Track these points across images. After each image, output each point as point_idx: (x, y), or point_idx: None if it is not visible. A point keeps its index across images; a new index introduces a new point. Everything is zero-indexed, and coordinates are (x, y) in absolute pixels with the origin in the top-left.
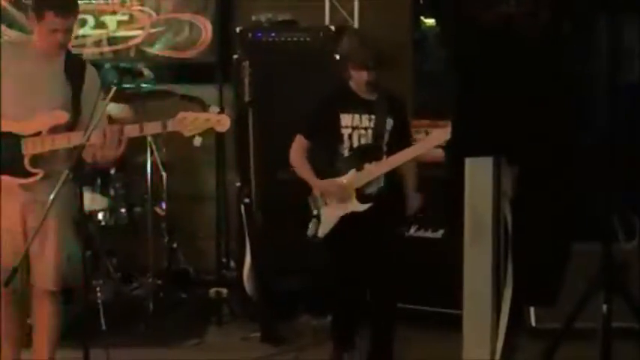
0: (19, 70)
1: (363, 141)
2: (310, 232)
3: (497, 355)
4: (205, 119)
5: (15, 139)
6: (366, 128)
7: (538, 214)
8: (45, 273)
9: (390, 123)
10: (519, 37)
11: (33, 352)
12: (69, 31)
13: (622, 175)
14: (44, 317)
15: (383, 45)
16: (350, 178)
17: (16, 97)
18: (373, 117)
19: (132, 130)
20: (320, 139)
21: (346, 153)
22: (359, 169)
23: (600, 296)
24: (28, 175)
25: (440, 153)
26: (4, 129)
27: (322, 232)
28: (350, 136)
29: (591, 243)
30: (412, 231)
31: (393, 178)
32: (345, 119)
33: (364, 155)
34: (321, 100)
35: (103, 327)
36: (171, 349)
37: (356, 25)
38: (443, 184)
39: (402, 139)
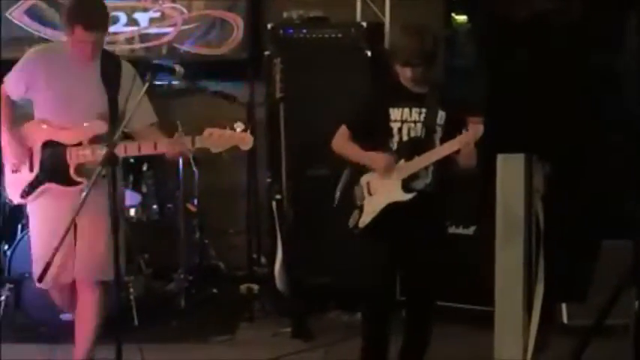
0: (59, 77)
1: (412, 134)
2: (352, 222)
3: (529, 353)
4: (230, 136)
5: (60, 148)
6: (415, 122)
7: (569, 210)
8: (93, 264)
9: (442, 117)
10: (552, 34)
11: (76, 342)
12: (98, 42)
13: None
14: (89, 307)
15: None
16: (401, 168)
17: (60, 104)
18: (424, 110)
19: (174, 145)
20: (368, 132)
21: (395, 147)
22: (407, 159)
23: (632, 292)
24: (72, 182)
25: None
26: (50, 137)
27: (363, 222)
28: (400, 130)
29: (622, 240)
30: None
31: (442, 176)
32: (395, 113)
33: (414, 148)
34: (370, 93)
35: (136, 322)
36: (202, 344)
37: (387, 21)
38: (475, 180)
39: (454, 133)
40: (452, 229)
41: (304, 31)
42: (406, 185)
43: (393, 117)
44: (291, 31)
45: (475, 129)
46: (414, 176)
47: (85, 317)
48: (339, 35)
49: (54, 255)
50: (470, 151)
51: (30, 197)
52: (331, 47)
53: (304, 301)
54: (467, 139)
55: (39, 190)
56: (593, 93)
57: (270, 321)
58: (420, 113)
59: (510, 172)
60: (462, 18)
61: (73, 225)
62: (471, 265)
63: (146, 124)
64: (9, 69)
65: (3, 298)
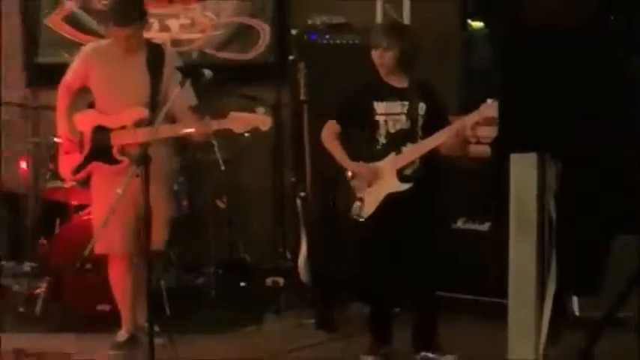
0: (107, 70)
1: (398, 127)
2: (354, 212)
3: (542, 344)
4: (251, 118)
5: (107, 132)
6: (399, 114)
7: (581, 207)
8: (157, 235)
9: (422, 108)
10: (565, 38)
11: (135, 307)
12: (134, 37)
13: None
14: (144, 271)
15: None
16: (389, 161)
17: (107, 94)
18: (406, 103)
19: (205, 127)
20: (356, 126)
21: (382, 139)
22: (397, 152)
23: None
24: (117, 162)
25: (486, 149)
26: (100, 122)
27: (366, 212)
28: (385, 122)
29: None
30: (460, 223)
31: (430, 160)
32: (380, 107)
33: (400, 139)
34: (354, 90)
35: (167, 313)
36: (230, 335)
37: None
38: (489, 178)
39: (438, 122)
40: (468, 225)
41: (327, 36)
42: (401, 175)
43: (378, 111)
44: (314, 36)
45: (461, 122)
46: (405, 166)
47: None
48: (360, 40)
49: (105, 223)
50: (455, 142)
51: (79, 175)
52: (353, 52)
53: (328, 293)
54: (452, 132)
55: (87, 168)
56: (605, 92)
57: (295, 312)
58: (402, 106)
59: (523, 170)
60: (478, 24)
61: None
62: (487, 259)
63: (186, 107)
64: (48, 73)
65: (43, 289)
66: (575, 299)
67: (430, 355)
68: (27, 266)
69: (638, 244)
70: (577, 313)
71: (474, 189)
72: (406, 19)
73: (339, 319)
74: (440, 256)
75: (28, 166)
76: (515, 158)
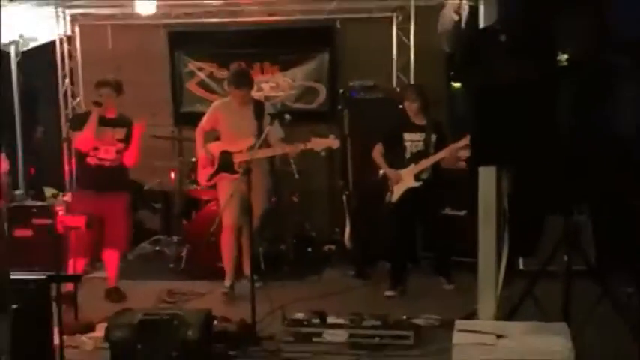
0: (229, 116)
1: (418, 149)
2: (387, 199)
3: (499, 288)
4: (325, 141)
5: (230, 154)
6: (419, 141)
7: (522, 199)
8: (255, 219)
9: (434, 138)
10: (511, 96)
11: (235, 265)
12: (246, 95)
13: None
14: (246, 241)
15: (429, 92)
16: (410, 169)
17: (229, 131)
18: (424, 134)
19: (295, 148)
20: (392, 147)
21: (408, 155)
22: (416, 163)
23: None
24: (236, 173)
25: (464, 164)
26: (225, 148)
27: (394, 199)
28: (410, 146)
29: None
30: (448, 210)
31: (436, 171)
32: (407, 136)
33: (418, 157)
34: (393, 125)
35: (262, 267)
36: (301, 282)
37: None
38: (466, 182)
39: (442, 146)
40: (453, 212)
41: (362, 93)
42: (417, 177)
43: (406, 139)
44: (354, 93)
45: (453, 147)
46: (420, 172)
47: (247, 246)
48: (383, 95)
49: (223, 210)
50: (450, 159)
51: (211, 182)
52: (378, 103)
53: (363, 255)
54: (447, 153)
55: (216, 177)
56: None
57: (342, 267)
58: (421, 136)
59: (487, 177)
60: (457, 84)
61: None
62: (465, 234)
63: (277, 138)
64: (187, 118)
65: (184, 252)
66: (520, 259)
67: (442, 279)
68: (175, 238)
69: (560, 222)
70: (522, 268)
71: (456, 189)
72: (412, 80)
73: (370, 272)
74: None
75: (175, 175)
76: (481, 170)
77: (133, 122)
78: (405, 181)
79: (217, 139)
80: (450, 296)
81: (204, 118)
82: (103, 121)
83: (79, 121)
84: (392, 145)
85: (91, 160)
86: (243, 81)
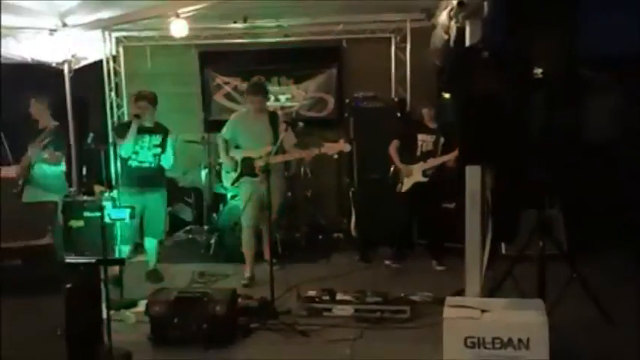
0: (247, 126)
1: (427, 148)
2: (398, 189)
3: (484, 270)
4: (337, 145)
5: (251, 160)
6: (429, 142)
7: (504, 194)
8: (273, 212)
9: (442, 140)
10: (498, 104)
11: (254, 258)
12: (261, 102)
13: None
14: (268, 234)
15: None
16: (419, 165)
17: (248, 139)
18: (434, 136)
19: (310, 152)
20: (407, 145)
21: (419, 154)
22: (424, 161)
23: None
24: (257, 176)
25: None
26: (246, 155)
27: (404, 189)
28: (421, 145)
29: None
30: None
31: (441, 168)
32: (420, 137)
33: (427, 155)
34: (410, 126)
35: (280, 251)
36: (313, 264)
37: (408, 97)
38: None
39: (447, 150)
40: (447, 204)
41: (365, 102)
42: (424, 173)
43: (419, 139)
44: (358, 103)
45: (456, 153)
46: (427, 170)
47: (267, 240)
48: (382, 105)
49: (243, 210)
50: (453, 160)
51: (235, 184)
52: (378, 111)
53: (366, 242)
54: (453, 156)
55: (240, 180)
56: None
57: (348, 252)
58: (432, 137)
59: (474, 174)
60: (446, 95)
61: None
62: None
63: (291, 144)
64: (217, 125)
65: (213, 240)
66: (502, 245)
67: (434, 261)
68: (205, 227)
69: (535, 214)
70: (503, 252)
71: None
72: (408, 91)
73: (371, 256)
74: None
75: (205, 174)
76: (468, 169)
77: (168, 130)
78: (414, 175)
79: (237, 146)
80: (441, 276)
81: (225, 129)
82: (142, 129)
83: (121, 130)
84: (407, 142)
85: (132, 163)
86: (259, 90)
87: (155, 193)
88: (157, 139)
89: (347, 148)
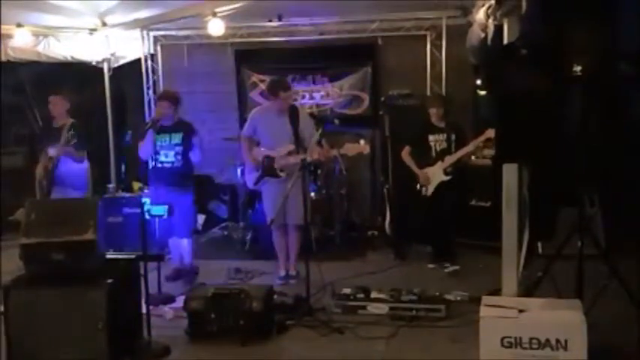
0: (266, 123)
1: (441, 147)
2: (423, 192)
3: (520, 269)
4: (357, 146)
5: (272, 159)
6: (442, 141)
7: (542, 192)
8: (295, 216)
9: (453, 137)
10: (536, 102)
11: (289, 257)
12: (284, 100)
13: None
14: (294, 239)
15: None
16: (438, 165)
17: (267, 136)
18: (445, 135)
19: (329, 153)
20: (419, 147)
21: (433, 154)
22: (442, 161)
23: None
24: (278, 175)
25: (488, 161)
26: (267, 154)
27: (429, 192)
28: (434, 145)
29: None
30: (474, 202)
31: (459, 165)
32: (431, 137)
33: (443, 154)
34: (419, 129)
35: (314, 249)
36: (348, 261)
37: (444, 92)
38: (491, 177)
39: (461, 144)
40: (480, 203)
41: (400, 100)
42: (445, 172)
43: (431, 139)
44: (393, 100)
45: (474, 143)
46: (448, 167)
47: (293, 243)
48: (417, 102)
49: (267, 211)
50: (467, 155)
51: (258, 184)
52: (412, 108)
53: (400, 239)
54: (472, 147)
55: (263, 180)
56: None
57: (383, 250)
58: (443, 136)
59: (510, 172)
60: (482, 92)
61: (286, 197)
62: (491, 221)
63: (314, 143)
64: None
65: (249, 237)
66: (539, 244)
67: (447, 263)
68: (240, 224)
69: (571, 212)
70: (540, 252)
71: (482, 182)
72: (443, 88)
73: (406, 253)
74: (464, 218)
75: (240, 171)
76: (505, 166)
77: (192, 126)
78: (436, 176)
79: (258, 144)
80: (477, 275)
81: (246, 125)
82: (162, 129)
83: (142, 131)
84: (418, 146)
85: (153, 164)
86: (281, 86)
87: (180, 192)
88: (178, 137)
89: (366, 149)
